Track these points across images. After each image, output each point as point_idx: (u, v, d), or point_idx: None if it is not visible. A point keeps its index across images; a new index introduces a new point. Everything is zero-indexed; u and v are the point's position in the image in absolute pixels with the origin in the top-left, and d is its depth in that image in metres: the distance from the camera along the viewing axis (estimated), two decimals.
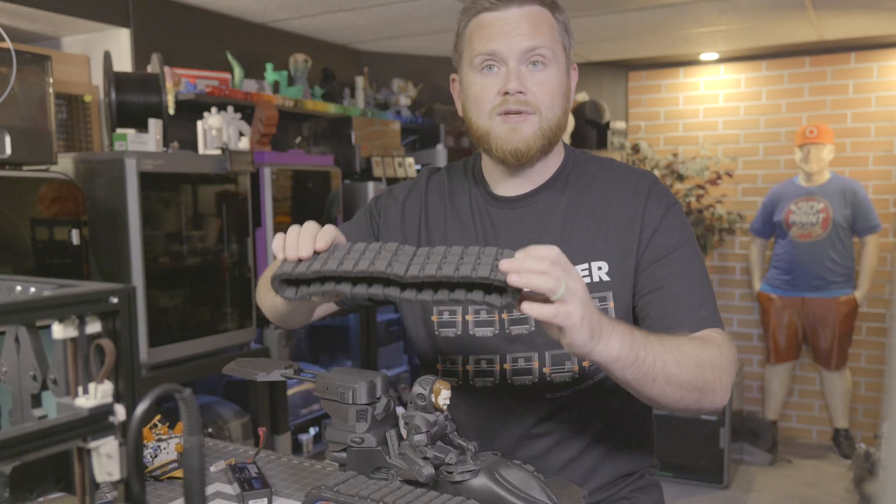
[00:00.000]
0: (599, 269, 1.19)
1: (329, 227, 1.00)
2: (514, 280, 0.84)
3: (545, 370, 1.21)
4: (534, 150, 1.17)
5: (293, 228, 0.98)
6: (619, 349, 0.93)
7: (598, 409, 1.24)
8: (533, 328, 1.21)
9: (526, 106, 1.15)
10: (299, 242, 0.96)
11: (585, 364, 1.21)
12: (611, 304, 1.19)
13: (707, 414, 3.63)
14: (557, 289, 0.85)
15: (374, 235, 1.32)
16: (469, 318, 1.24)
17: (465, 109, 1.22)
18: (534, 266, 0.85)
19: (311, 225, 0.99)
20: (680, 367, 0.99)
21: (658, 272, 1.16)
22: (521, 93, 1.14)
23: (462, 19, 1.21)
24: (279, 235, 0.98)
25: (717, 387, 1.04)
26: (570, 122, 4.05)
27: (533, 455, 1.22)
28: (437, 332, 1.27)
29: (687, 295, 1.14)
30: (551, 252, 0.87)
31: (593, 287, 1.18)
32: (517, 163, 1.19)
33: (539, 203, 1.24)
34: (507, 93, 1.15)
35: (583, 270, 1.19)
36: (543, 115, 1.16)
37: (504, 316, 1.22)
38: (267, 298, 1.23)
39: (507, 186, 1.25)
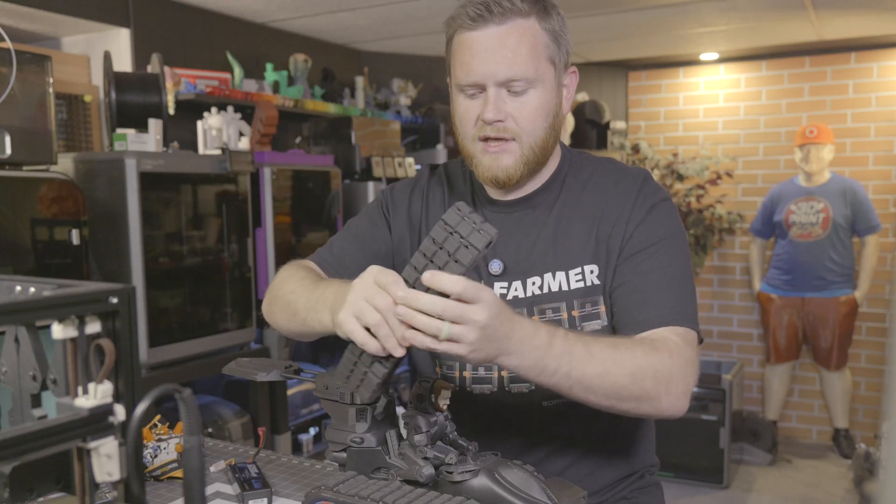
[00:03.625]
0: (591, 272, 1.18)
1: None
2: (400, 312, 0.88)
3: None
4: (515, 178, 1.16)
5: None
6: (517, 365, 0.94)
7: (595, 414, 1.22)
8: None
9: (505, 132, 1.13)
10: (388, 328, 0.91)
11: None
12: (602, 308, 1.18)
13: (708, 415, 3.63)
14: (439, 334, 0.87)
15: (391, 235, 1.31)
16: None
17: (454, 124, 1.21)
18: (426, 306, 0.86)
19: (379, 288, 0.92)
20: (605, 379, 0.98)
21: (629, 267, 1.15)
22: (499, 121, 1.12)
23: (447, 30, 1.18)
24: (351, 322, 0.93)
25: (661, 394, 1.02)
26: (570, 122, 4.05)
27: (532, 461, 1.21)
28: None
29: (652, 291, 1.12)
30: (455, 287, 0.86)
31: (586, 291, 1.18)
32: (500, 188, 1.20)
33: (535, 207, 1.23)
34: (485, 120, 1.13)
35: (576, 275, 1.18)
36: (524, 141, 1.14)
37: None
38: (280, 313, 1.20)
39: (502, 192, 1.24)
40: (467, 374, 1.24)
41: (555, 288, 1.19)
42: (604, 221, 1.18)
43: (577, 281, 1.18)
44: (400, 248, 1.31)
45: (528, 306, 1.20)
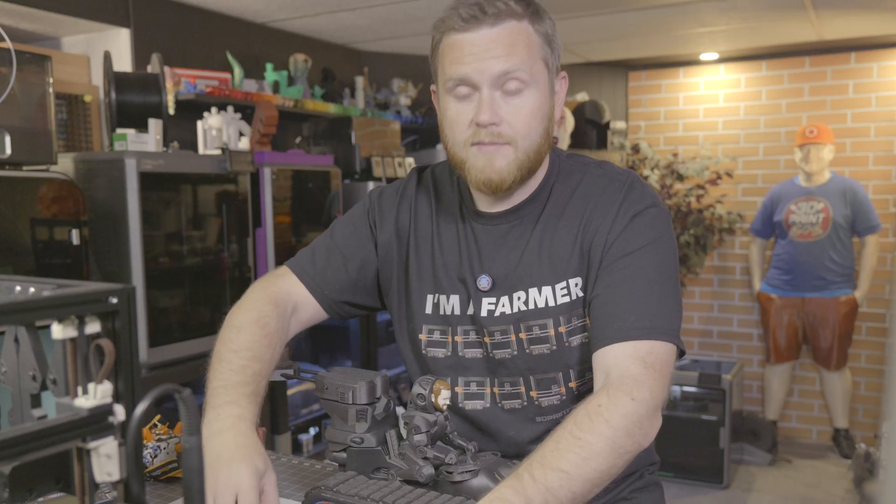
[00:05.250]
0: (576, 285, 1.15)
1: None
2: None
3: (532, 394, 1.19)
4: (509, 182, 1.12)
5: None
6: None
7: None
8: (515, 352, 1.18)
9: (499, 137, 1.10)
10: None
11: (573, 385, 1.19)
12: (587, 320, 1.15)
13: (708, 415, 3.64)
14: None
15: (375, 244, 1.28)
16: (458, 339, 1.21)
17: (442, 130, 1.17)
18: None
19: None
20: (592, 479, 0.95)
21: (603, 279, 1.12)
22: (494, 124, 1.09)
23: (434, 34, 1.13)
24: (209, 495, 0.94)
25: (639, 437, 1.00)
26: (570, 122, 4.05)
27: None
28: (424, 352, 1.24)
29: (620, 304, 1.08)
30: None
31: (571, 305, 1.15)
32: (493, 193, 1.16)
33: (521, 219, 1.20)
34: (479, 123, 1.09)
35: (562, 289, 1.16)
36: (519, 145, 1.11)
37: (486, 339, 1.19)
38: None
39: (490, 202, 1.21)
40: (459, 389, 1.22)
41: (541, 304, 1.16)
42: (587, 231, 1.15)
43: (562, 296, 1.16)
44: (386, 259, 1.27)
45: (514, 322, 1.18)
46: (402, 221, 1.27)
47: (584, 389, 1.19)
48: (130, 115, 2.38)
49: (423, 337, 1.24)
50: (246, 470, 0.95)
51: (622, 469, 1.00)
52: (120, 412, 0.68)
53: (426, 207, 1.27)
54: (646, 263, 1.11)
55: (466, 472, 1.00)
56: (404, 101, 3.81)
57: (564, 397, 1.19)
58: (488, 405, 1.21)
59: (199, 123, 2.77)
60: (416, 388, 1.05)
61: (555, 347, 1.17)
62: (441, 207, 1.26)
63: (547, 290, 1.16)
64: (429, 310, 1.24)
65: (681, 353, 1.12)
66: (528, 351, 1.17)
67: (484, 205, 1.22)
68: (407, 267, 1.26)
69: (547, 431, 1.18)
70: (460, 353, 1.21)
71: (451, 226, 1.24)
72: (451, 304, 1.22)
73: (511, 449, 1.22)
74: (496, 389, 1.21)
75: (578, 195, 1.19)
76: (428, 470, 1.01)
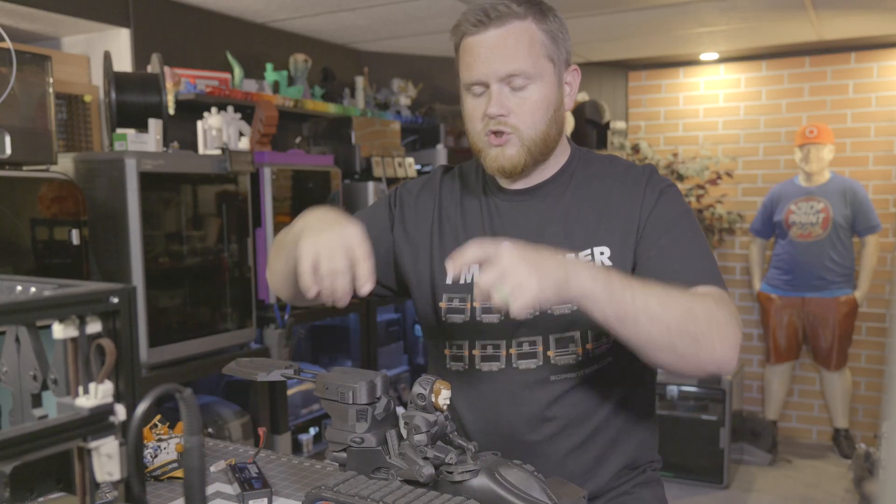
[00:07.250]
0: (602, 253, 1.23)
1: (359, 241, 1.04)
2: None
3: (549, 353, 1.25)
4: (520, 168, 1.24)
5: (323, 257, 1.02)
6: (591, 282, 1.00)
7: (602, 396, 1.26)
8: (537, 312, 1.24)
9: (506, 126, 1.22)
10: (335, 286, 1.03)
11: (589, 347, 1.24)
12: None
13: (708, 415, 3.64)
14: (500, 293, 0.96)
15: (391, 224, 1.38)
16: (476, 304, 1.28)
17: (465, 123, 1.29)
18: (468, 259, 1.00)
19: (338, 248, 1.03)
20: (665, 309, 1.03)
21: (651, 244, 1.21)
22: (502, 115, 1.21)
23: (453, 37, 1.26)
24: (308, 256, 1.03)
25: (716, 338, 1.05)
26: (570, 122, 4.05)
27: (539, 440, 1.25)
28: (444, 319, 1.31)
29: (678, 259, 1.18)
30: (474, 253, 1.00)
31: None
32: (508, 177, 1.28)
33: (545, 195, 1.29)
34: (489, 115, 1.22)
35: (586, 256, 1.23)
36: (524, 134, 1.22)
37: None
38: (275, 259, 1.28)
39: (513, 181, 1.31)
40: (476, 352, 1.28)
41: None
42: (615, 208, 1.24)
43: (586, 261, 1.22)
44: (401, 241, 1.37)
45: None
46: (421, 210, 1.38)
47: (599, 352, 1.25)
48: (130, 115, 2.38)
49: (443, 305, 1.31)
50: (351, 228, 1.05)
51: (683, 353, 1.05)
52: (121, 412, 0.68)
53: (451, 193, 1.38)
54: (686, 230, 1.22)
55: (466, 471, 1.00)
56: (404, 101, 3.81)
57: (580, 358, 1.24)
58: (504, 367, 1.27)
59: (199, 123, 2.77)
60: (416, 388, 1.06)
61: (576, 308, 1.19)
62: (466, 192, 1.37)
63: (571, 256, 1.23)
64: (449, 280, 1.31)
65: None
66: (549, 311, 1.24)
67: (507, 184, 1.32)
68: (431, 247, 1.34)
69: (560, 393, 1.25)
70: (478, 318, 1.28)
71: (475, 206, 1.34)
72: (472, 271, 1.29)
73: (525, 415, 1.25)
74: (512, 350, 1.27)
75: (601, 177, 1.29)
76: (428, 470, 1.01)
